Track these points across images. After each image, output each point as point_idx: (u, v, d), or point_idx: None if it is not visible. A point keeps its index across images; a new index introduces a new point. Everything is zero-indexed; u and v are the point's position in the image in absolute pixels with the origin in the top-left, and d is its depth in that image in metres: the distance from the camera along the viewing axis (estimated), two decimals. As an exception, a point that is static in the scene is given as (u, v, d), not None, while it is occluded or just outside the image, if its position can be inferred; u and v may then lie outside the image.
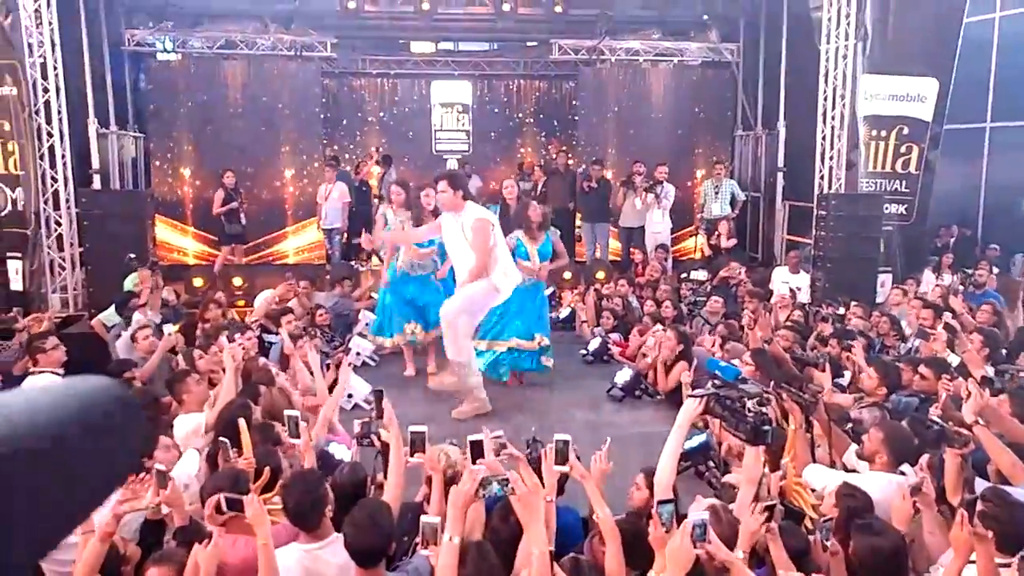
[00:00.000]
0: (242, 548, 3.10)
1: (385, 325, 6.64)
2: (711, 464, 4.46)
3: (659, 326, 6.69)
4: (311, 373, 5.24)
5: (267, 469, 3.55)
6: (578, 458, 3.29)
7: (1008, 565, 2.80)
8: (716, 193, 10.93)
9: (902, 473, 3.65)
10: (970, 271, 9.02)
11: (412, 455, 3.37)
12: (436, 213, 6.24)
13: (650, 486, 3.30)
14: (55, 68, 8.26)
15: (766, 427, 3.12)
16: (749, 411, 3.13)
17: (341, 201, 10.76)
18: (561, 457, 3.16)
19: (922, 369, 5.09)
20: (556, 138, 13.59)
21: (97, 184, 9.32)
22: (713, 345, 6.23)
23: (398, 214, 6.56)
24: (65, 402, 0.61)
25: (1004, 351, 5.88)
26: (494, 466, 3.21)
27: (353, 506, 3.12)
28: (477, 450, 3.12)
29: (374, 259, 11.26)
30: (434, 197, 6.28)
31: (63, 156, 8.33)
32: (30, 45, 8.09)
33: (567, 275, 9.01)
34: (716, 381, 3.70)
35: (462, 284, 5.36)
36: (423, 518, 2.85)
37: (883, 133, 9.44)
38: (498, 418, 5.43)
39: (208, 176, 11.09)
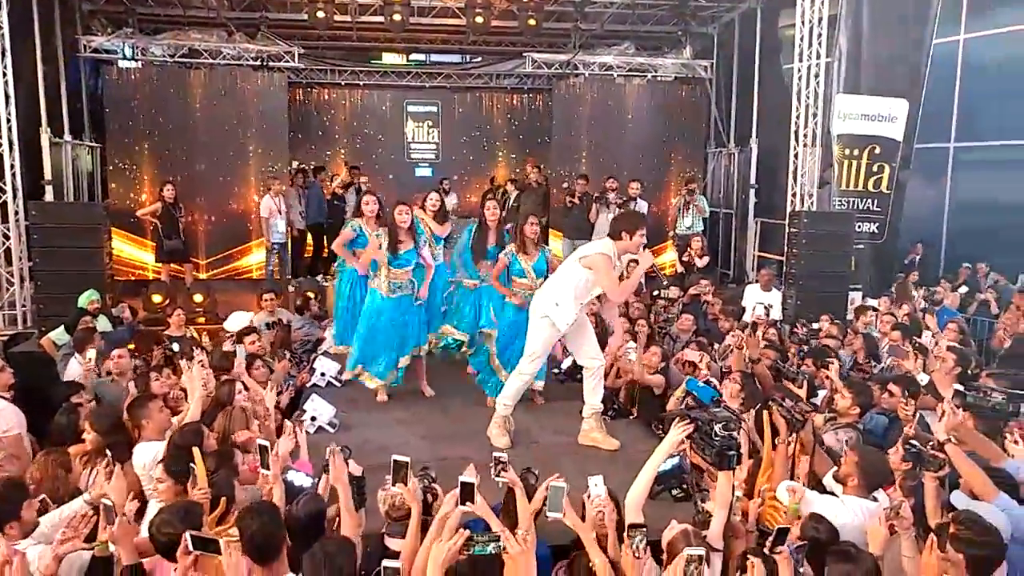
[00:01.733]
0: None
1: (383, 357, 6.16)
2: (686, 487, 4.34)
3: (632, 343, 6.55)
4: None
5: (223, 500, 3.33)
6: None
7: None
8: (687, 208, 10.90)
9: (874, 499, 3.62)
10: (934, 289, 9.10)
11: (394, 484, 3.19)
12: (412, 230, 6.03)
13: (615, 503, 3.29)
14: (4, 75, 7.91)
15: (731, 452, 3.14)
16: (716, 436, 3.17)
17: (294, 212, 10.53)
18: (554, 504, 3.07)
19: (891, 387, 5.11)
20: (529, 152, 13.48)
21: (50, 196, 8.94)
22: (701, 360, 6.09)
23: (369, 226, 6.22)
24: None
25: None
26: (483, 511, 3.09)
27: (309, 540, 2.99)
28: (467, 493, 2.96)
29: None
30: (410, 215, 6.09)
31: (12, 167, 7.96)
32: (-21, 51, 7.75)
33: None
34: (689, 401, 3.60)
35: None
36: (385, 562, 2.65)
37: (856, 152, 9.48)
38: (469, 441, 5.27)
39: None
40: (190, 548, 2.77)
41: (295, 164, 12.12)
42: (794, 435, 3.96)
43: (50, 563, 2.76)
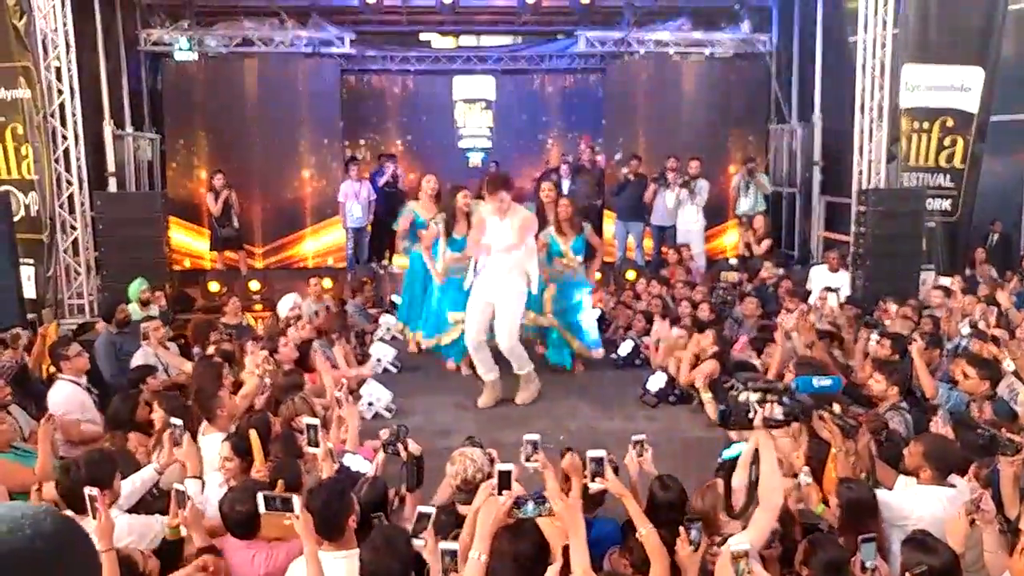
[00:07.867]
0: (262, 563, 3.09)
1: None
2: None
3: (675, 329, 6.52)
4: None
5: (280, 481, 3.42)
6: (615, 470, 3.18)
7: None
8: (748, 188, 10.59)
9: (952, 485, 3.43)
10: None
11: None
12: (469, 214, 6.05)
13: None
14: (70, 70, 8.09)
15: (725, 410, 3.13)
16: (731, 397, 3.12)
17: (369, 199, 10.66)
18: (596, 475, 3.03)
19: (966, 367, 4.83)
20: (583, 134, 13.26)
21: (113, 187, 9.14)
22: (742, 349, 5.95)
23: (425, 207, 6.48)
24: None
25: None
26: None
27: (373, 522, 3.13)
28: (505, 481, 2.90)
29: (396, 259, 11.06)
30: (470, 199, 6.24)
31: (78, 159, 8.16)
32: (45, 46, 7.92)
33: (597, 275, 8.71)
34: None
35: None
36: (441, 544, 2.70)
37: (926, 125, 9.03)
38: (525, 425, 5.20)
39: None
40: (264, 507, 2.91)
41: (348, 152, 12.18)
42: (849, 442, 3.75)
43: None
